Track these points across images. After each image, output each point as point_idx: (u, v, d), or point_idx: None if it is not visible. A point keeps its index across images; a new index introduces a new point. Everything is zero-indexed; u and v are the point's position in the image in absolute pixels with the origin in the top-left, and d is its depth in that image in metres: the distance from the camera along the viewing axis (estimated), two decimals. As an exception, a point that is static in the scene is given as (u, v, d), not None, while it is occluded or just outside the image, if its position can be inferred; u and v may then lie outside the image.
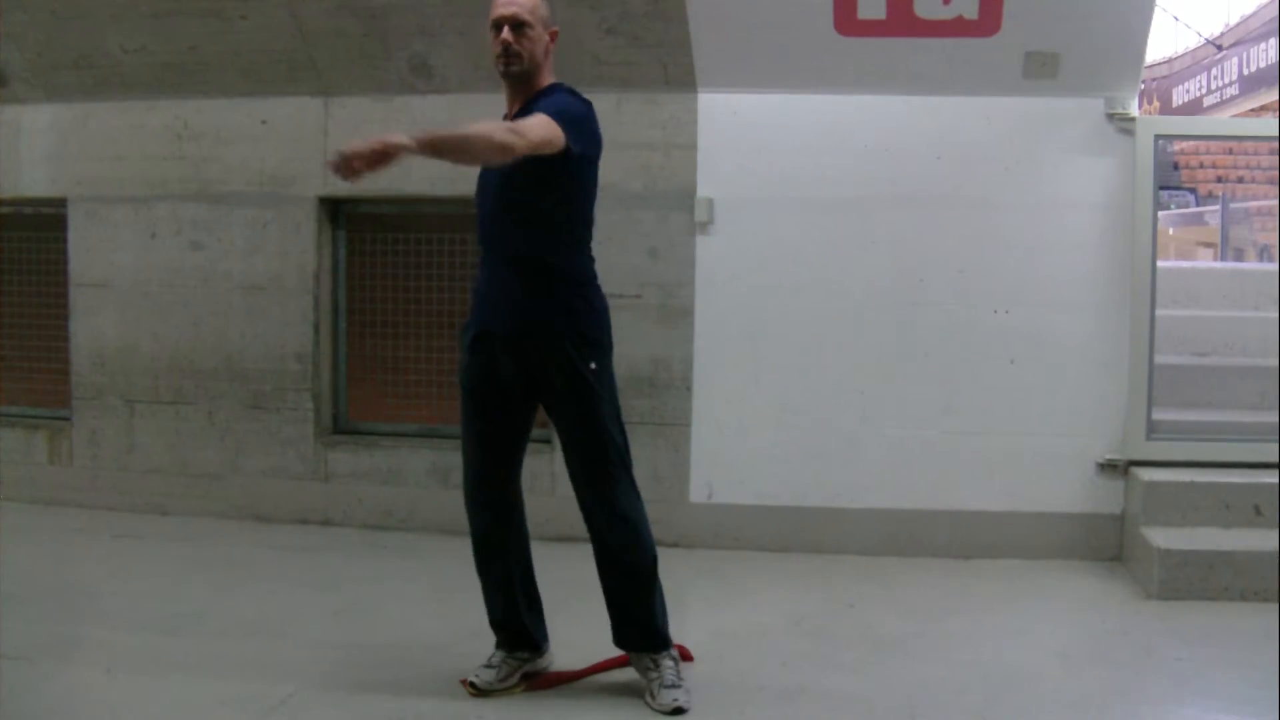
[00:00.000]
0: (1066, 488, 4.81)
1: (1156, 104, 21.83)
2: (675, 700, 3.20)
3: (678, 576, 4.65)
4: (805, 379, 4.91)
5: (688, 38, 4.73)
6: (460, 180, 4.92)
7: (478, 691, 3.30)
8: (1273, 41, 17.48)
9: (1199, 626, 3.99)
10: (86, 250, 5.45)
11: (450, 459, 5.03)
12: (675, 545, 4.92)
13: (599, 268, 4.98)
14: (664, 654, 3.31)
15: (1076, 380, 4.82)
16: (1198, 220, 16.37)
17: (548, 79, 3.26)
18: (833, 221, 4.88)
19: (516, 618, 3.38)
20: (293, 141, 5.21)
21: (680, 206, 4.94)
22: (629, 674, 3.44)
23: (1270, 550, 4.27)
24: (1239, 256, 13.93)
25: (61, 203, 5.49)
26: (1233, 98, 19.28)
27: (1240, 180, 20.05)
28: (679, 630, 3.51)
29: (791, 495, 4.91)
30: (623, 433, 3.29)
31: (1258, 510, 4.50)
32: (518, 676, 3.37)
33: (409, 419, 5.31)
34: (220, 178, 5.30)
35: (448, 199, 5.10)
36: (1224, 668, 3.61)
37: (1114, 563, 4.75)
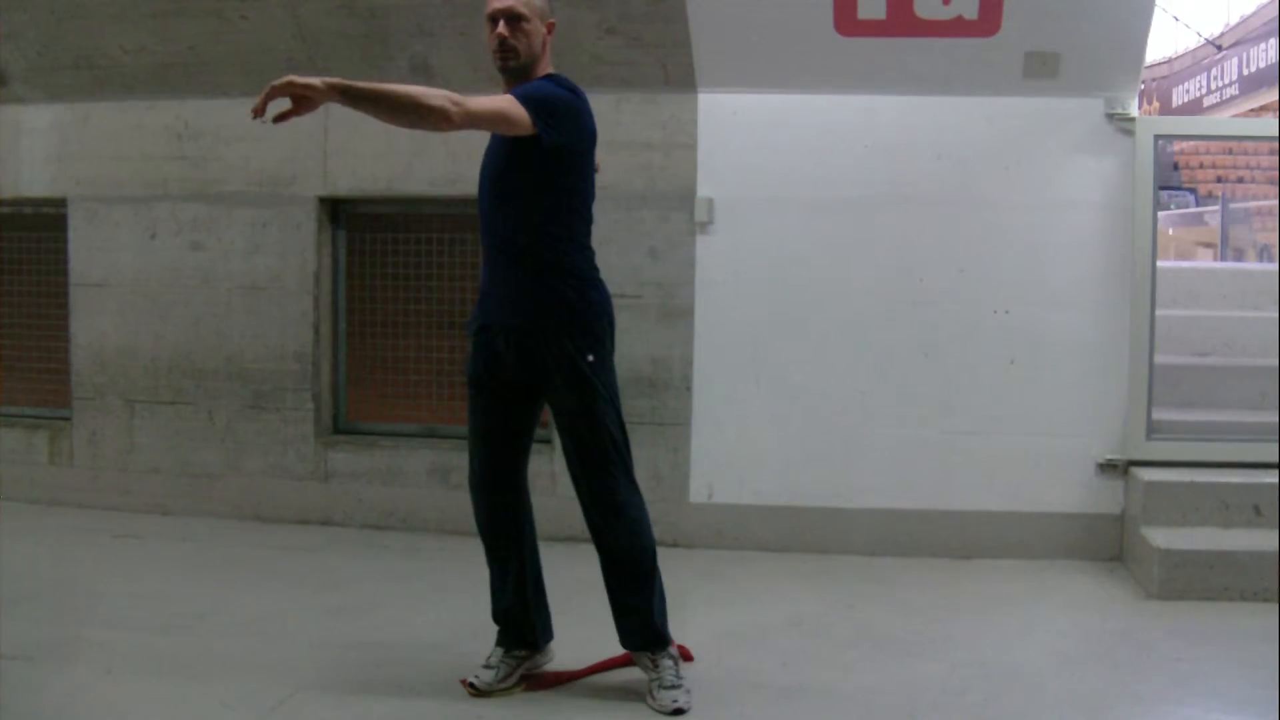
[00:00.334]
0: (1066, 488, 4.81)
1: (1156, 104, 21.83)
2: (675, 701, 3.20)
3: (678, 576, 4.66)
4: (805, 379, 4.91)
5: (688, 38, 4.73)
6: (461, 180, 4.95)
7: (477, 692, 3.30)
8: (1273, 41, 17.47)
9: (1199, 626, 3.99)
10: (86, 250, 5.45)
11: (450, 459, 5.03)
12: (675, 545, 4.92)
13: (600, 268, 4.99)
14: (663, 654, 3.31)
15: (1076, 380, 4.82)
16: (1198, 220, 16.37)
17: (546, 72, 3.23)
18: (833, 221, 4.88)
19: (523, 613, 3.38)
20: (293, 141, 5.21)
21: (680, 206, 4.94)
22: (629, 674, 3.44)
23: (1270, 550, 4.27)
24: (1239, 256, 13.94)
25: (61, 203, 5.49)
26: (1233, 98, 19.28)
27: (1240, 180, 20.06)
28: (679, 630, 3.51)
29: (791, 495, 4.91)
30: (622, 430, 3.29)
31: (1257, 510, 4.50)
32: (517, 676, 3.37)
33: (409, 419, 5.31)
34: (220, 178, 5.30)
35: (448, 199, 5.11)
36: (1224, 668, 3.61)
37: (1114, 563, 4.75)
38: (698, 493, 4.97)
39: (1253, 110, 18.08)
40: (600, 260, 4.97)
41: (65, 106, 5.42)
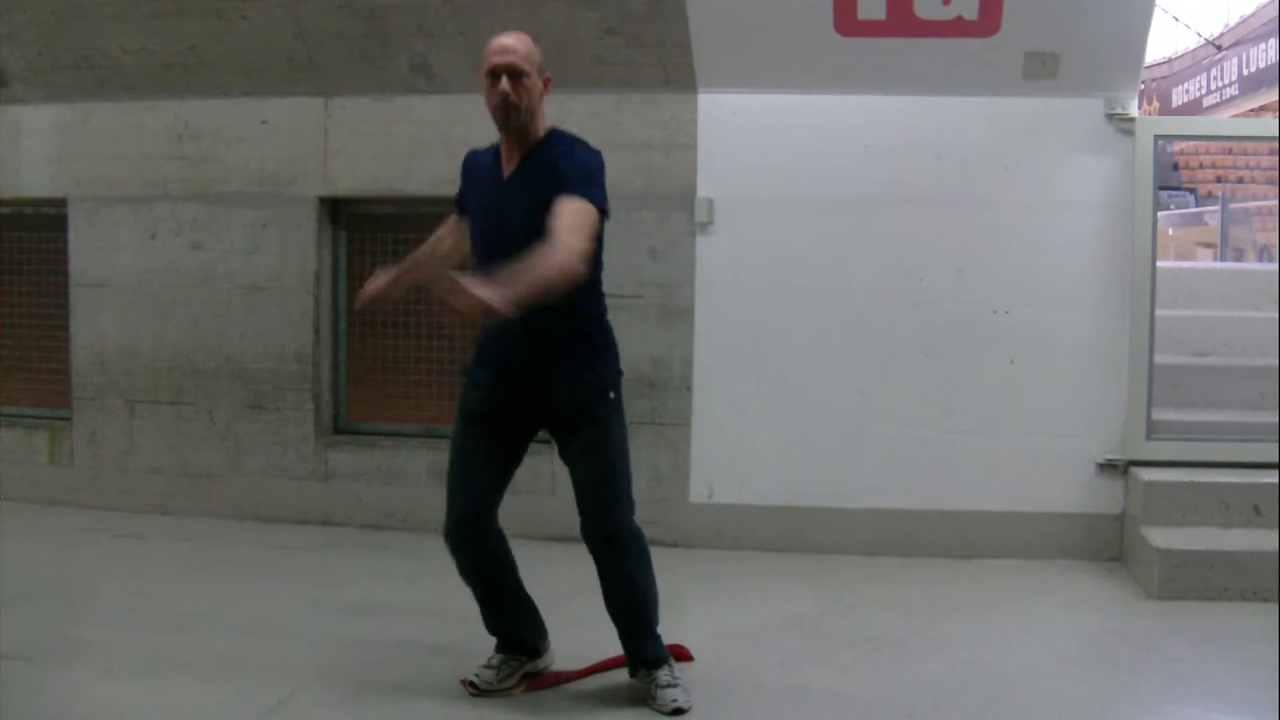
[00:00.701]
0: (1066, 488, 4.81)
1: (1156, 104, 21.84)
2: (675, 701, 3.20)
3: (678, 576, 4.66)
4: (805, 379, 4.91)
5: (688, 38, 4.73)
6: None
7: (478, 691, 3.30)
8: (1273, 41, 17.47)
9: (1199, 626, 3.99)
10: (86, 250, 5.45)
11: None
12: (675, 545, 4.92)
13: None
14: (645, 676, 3.31)
15: (1076, 380, 4.82)
16: (1197, 220, 16.38)
17: (543, 125, 3.22)
18: (833, 221, 4.88)
19: (515, 629, 3.39)
20: (293, 141, 5.21)
21: (680, 206, 4.94)
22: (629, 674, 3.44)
23: (1270, 550, 4.27)
24: (1239, 256, 13.94)
25: (61, 203, 5.49)
26: (1232, 98, 19.28)
27: (1240, 180, 20.06)
28: (679, 630, 3.51)
29: (791, 495, 4.91)
30: (628, 462, 3.33)
31: (1257, 510, 4.50)
32: (517, 677, 3.37)
33: (409, 419, 5.31)
34: (220, 178, 5.30)
35: (448, 199, 5.09)
36: (1224, 668, 3.61)
37: (1114, 563, 4.75)
38: (698, 493, 4.97)
39: (1253, 110, 18.09)
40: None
41: (65, 106, 5.42)
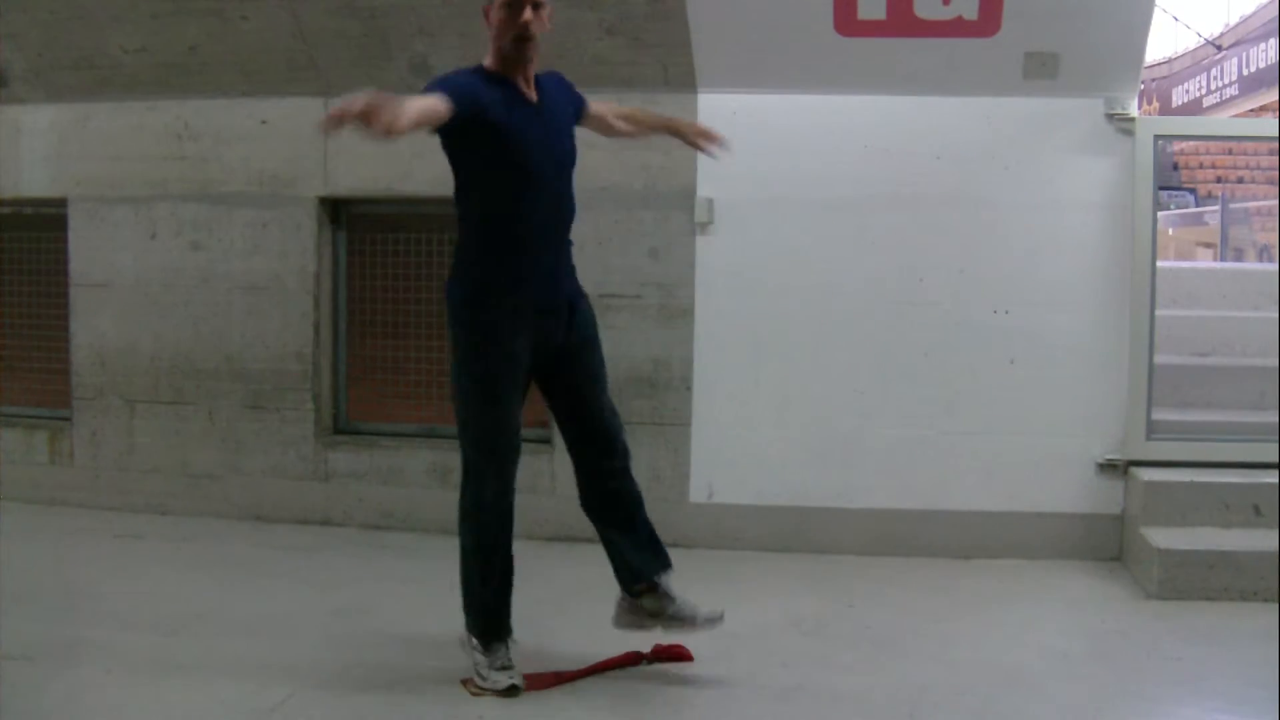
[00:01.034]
0: (1066, 488, 4.81)
1: (1156, 104, 21.85)
2: (710, 611, 3.36)
3: (678, 576, 4.64)
4: (805, 379, 4.91)
5: (688, 38, 4.73)
6: (460, 180, 4.94)
7: (479, 691, 3.30)
8: (1273, 41, 17.49)
9: (1199, 626, 3.99)
10: (86, 250, 5.45)
11: (450, 459, 5.01)
12: (675, 545, 4.88)
13: (600, 268, 5.00)
14: (666, 578, 3.42)
15: (1076, 380, 4.82)
16: (1198, 220, 16.39)
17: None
18: (832, 221, 4.88)
19: (509, 609, 3.43)
20: (293, 141, 5.21)
21: (680, 206, 4.94)
22: (629, 674, 3.44)
23: (1270, 550, 4.27)
24: (1239, 256, 13.95)
25: (61, 203, 5.49)
26: (1232, 98, 19.30)
27: (1240, 180, 20.08)
28: (680, 630, 3.50)
29: (791, 495, 4.91)
30: None
31: (1257, 510, 4.50)
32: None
33: (409, 419, 5.31)
34: (220, 178, 5.30)
35: (448, 199, 5.09)
36: (1224, 668, 3.61)
37: (1114, 563, 4.75)
38: (698, 493, 4.97)
39: (1253, 110, 18.11)
40: (600, 260, 4.99)
41: (65, 107, 5.42)
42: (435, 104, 3.05)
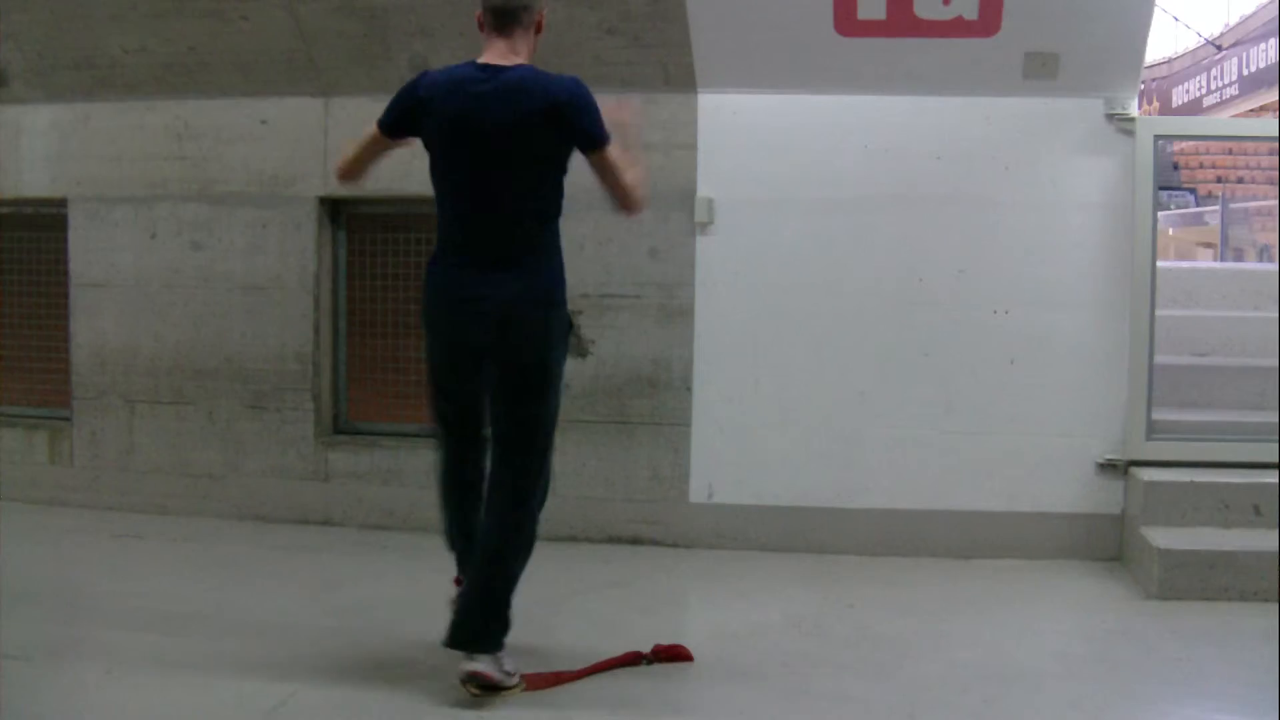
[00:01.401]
0: (1066, 488, 4.81)
1: (1156, 104, 21.85)
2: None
3: (678, 576, 4.67)
4: (805, 379, 4.91)
5: (688, 38, 4.73)
6: (460, 180, 4.94)
7: (481, 691, 3.29)
8: (1273, 41, 17.48)
9: (1199, 626, 3.99)
10: (86, 250, 5.45)
11: (450, 459, 5.03)
12: (675, 545, 4.93)
13: (600, 268, 5.00)
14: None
15: (1076, 380, 4.82)
16: (1198, 220, 16.39)
17: None
18: (833, 221, 4.88)
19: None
20: (293, 141, 5.21)
21: (680, 206, 4.94)
22: (629, 674, 3.44)
23: (1270, 550, 4.27)
24: (1239, 256, 13.95)
25: (61, 203, 5.49)
26: (1233, 98, 19.29)
27: (1240, 180, 20.07)
28: (679, 630, 3.51)
29: (792, 495, 4.91)
30: None
31: (1258, 510, 4.50)
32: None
33: (409, 419, 5.31)
34: (220, 178, 5.30)
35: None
36: (1224, 668, 3.61)
37: (1114, 563, 4.75)
38: (698, 493, 4.97)
39: (1253, 110, 18.10)
40: (600, 260, 4.99)
41: (65, 107, 5.42)
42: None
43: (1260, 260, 13.38)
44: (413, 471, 5.18)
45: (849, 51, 4.70)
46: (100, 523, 5.20)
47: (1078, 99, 4.74)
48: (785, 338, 4.92)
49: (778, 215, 4.90)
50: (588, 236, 4.96)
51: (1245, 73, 18.86)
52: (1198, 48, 21.72)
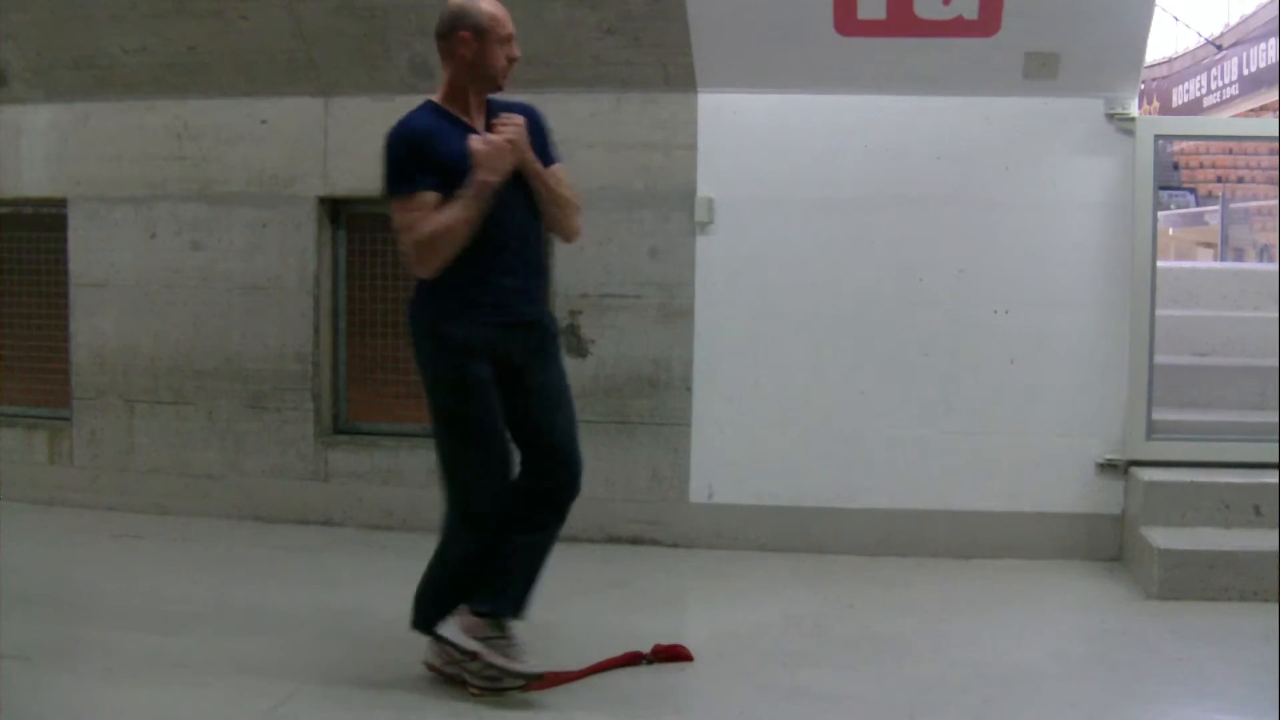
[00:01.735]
0: (1066, 488, 4.81)
1: (1156, 104, 21.84)
2: (529, 667, 3.27)
3: (678, 576, 4.67)
4: (805, 379, 4.91)
5: (688, 38, 4.73)
6: (460, 180, 4.94)
7: (481, 691, 3.29)
8: (1273, 41, 17.48)
9: (1199, 626, 3.99)
10: (86, 250, 5.45)
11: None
12: (675, 545, 4.93)
13: (600, 268, 5.00)
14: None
15: (1076, 380, 4.82)
16: (1198, 220, 16.38)
17: None
18: (833, 221, 4.88)
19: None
20: (293, 141, 5.21)
21: (680, 206, 4.94)
22: (629, 674, 3.44)
23: (1270, 550, 4.27)
24: (1239, 256, 13.94)
25: (61, 203, 5.49)
26: (1233, 98, 19.28)
27: (1240, 180, 20.06)
28: (679, 630, 3.51)
29: (792, 495, 4.91)
30: None
31: (1258, 510, 4.50)
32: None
33: (409, 419, 5.30)
34: (220, 178, 5.30)
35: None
36: (1224, 668, 3.61)
37: (1114, 563, 4.75)
38: (698, 493, 4.97)
39: (1253, 110, 18.09)
40: (600, 260, 4.98)
41: (65, 106, 5.42)
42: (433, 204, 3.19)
43: (1260, 260, 13.37)
44: (413, 471, 5.18)
45: (849, 51, 4.70)
46: (100, 523, 5.20)
47: (1078, 99, 4.74)
48: (785, 338, 4.92)
49: (778, 215, 4.90)
50: (588, 237, 4.93)
51: (1245, 73, 18.86)
52: (1198, 48, 21.72)
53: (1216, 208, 15.62)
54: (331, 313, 5.35)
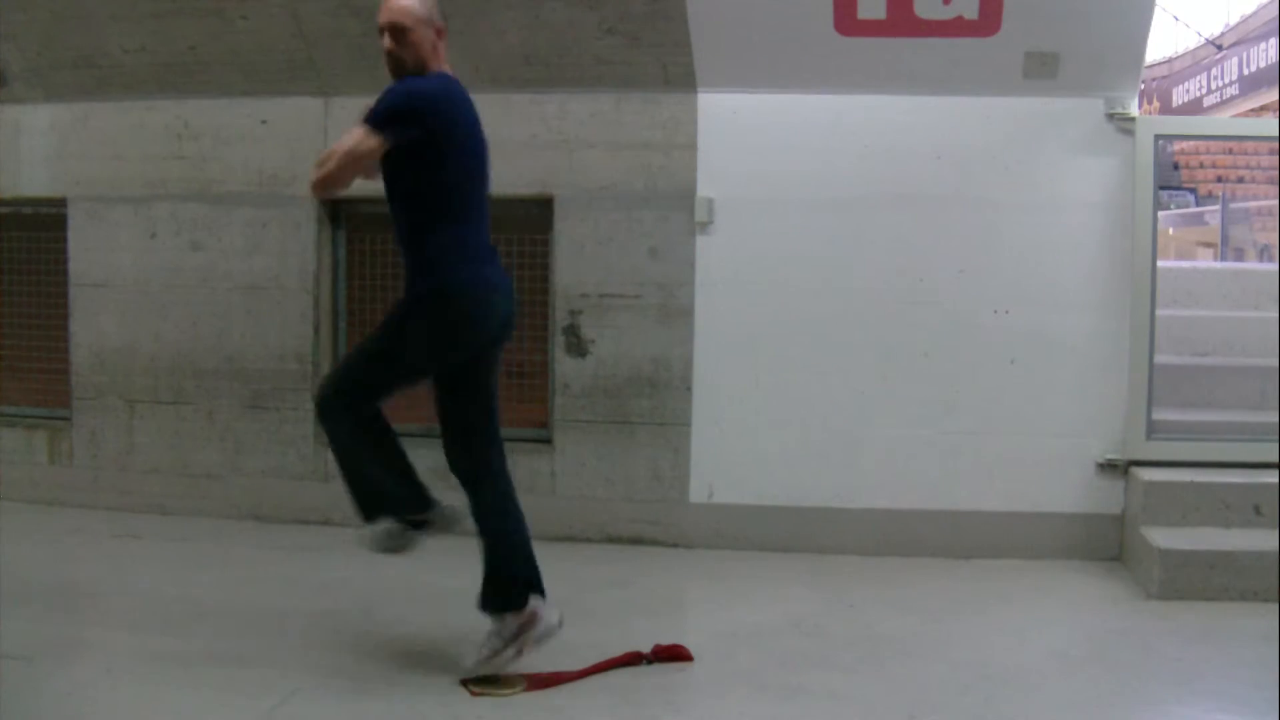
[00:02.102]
0: (1066, 488, 4.81)
1: (1156, 104, 21.85)
2: (451, 507, 3.48)
3: (678, 576, 4.67)
4: (805, 379, 4.91)
5: (688, 38, 4.73)
6: (460, 180, 4.94)
7: (481, 691, 3.30)
8: (1273, 41, 17.49)
9: (1199, 626, 3.99)
10: (86, 250, 5.45)
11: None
12: (675, 545, 4.93)
13: (600, 268, 4.99)
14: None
15: (1076, 380, 4.82)
16: (1198, 220, 16.38)
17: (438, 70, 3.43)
18: (833, 221, 4.88)
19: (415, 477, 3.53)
20: (293, 141, 5.21)
21: (680, 206, 4.94)
22: (629, 674, 3.44)
23: (1270, 550, 4.27)
24: (1239, 256, 13.94)
25: (61, 203, 5.49)
26: (1233, 98, 19.31)
27: (1240, 180, 20.06)
28: (679, 630, 3.51)
29: (791, 495, 4.91)
30: None
31: (1258, 510, 4.50)
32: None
33: (409, 419, 5.28)
34: (220, 178, 5.30)
35: (448, 199, 5.10)
36: (1224, 668, 3.61)
37: (1114, 563, 4.75)
38: (698, 493, 4.97)
39: (1253, 110, 18.11)
40: (600, 260, 4.98)
41: (65, 106, 5.42)
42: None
43: (1260, 260, 13.37)
44: (413, 471, 5.17)
45: (849, 51, 4.70)
46: (100, 523, 5.20)
47: (1078, 99, 4.74)
48: (785, 338, 4.92)
49: (778, 215, 4.90)
50: (588, 236, 4.96)
51: (1245, 72, 18.87)
52: (1198, 47, 21.73)
53: (1216, 208, 15.62)
54: (331, 313, 5.35)
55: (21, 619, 3.75)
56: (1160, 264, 5.09)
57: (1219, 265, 9.97)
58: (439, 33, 3.41)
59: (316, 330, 5.28)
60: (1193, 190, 19.01)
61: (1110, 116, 4.75)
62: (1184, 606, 4.20)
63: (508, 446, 3.55)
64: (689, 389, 4.97)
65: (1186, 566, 4.28)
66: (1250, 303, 6.15)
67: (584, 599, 4.06)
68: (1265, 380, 5.13)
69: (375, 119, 3.27)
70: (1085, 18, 4.57)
